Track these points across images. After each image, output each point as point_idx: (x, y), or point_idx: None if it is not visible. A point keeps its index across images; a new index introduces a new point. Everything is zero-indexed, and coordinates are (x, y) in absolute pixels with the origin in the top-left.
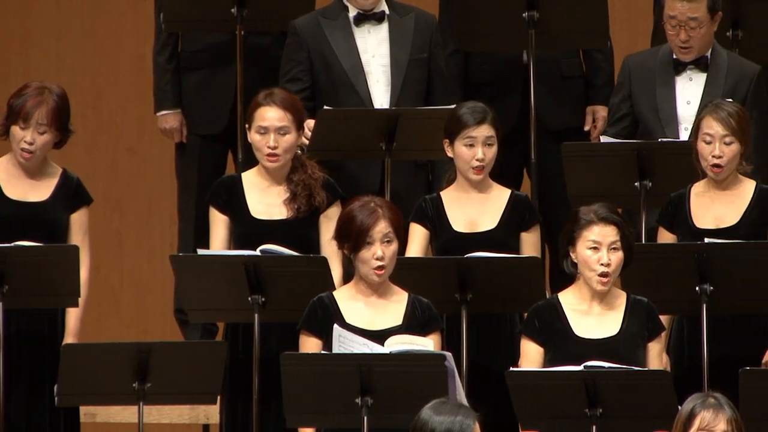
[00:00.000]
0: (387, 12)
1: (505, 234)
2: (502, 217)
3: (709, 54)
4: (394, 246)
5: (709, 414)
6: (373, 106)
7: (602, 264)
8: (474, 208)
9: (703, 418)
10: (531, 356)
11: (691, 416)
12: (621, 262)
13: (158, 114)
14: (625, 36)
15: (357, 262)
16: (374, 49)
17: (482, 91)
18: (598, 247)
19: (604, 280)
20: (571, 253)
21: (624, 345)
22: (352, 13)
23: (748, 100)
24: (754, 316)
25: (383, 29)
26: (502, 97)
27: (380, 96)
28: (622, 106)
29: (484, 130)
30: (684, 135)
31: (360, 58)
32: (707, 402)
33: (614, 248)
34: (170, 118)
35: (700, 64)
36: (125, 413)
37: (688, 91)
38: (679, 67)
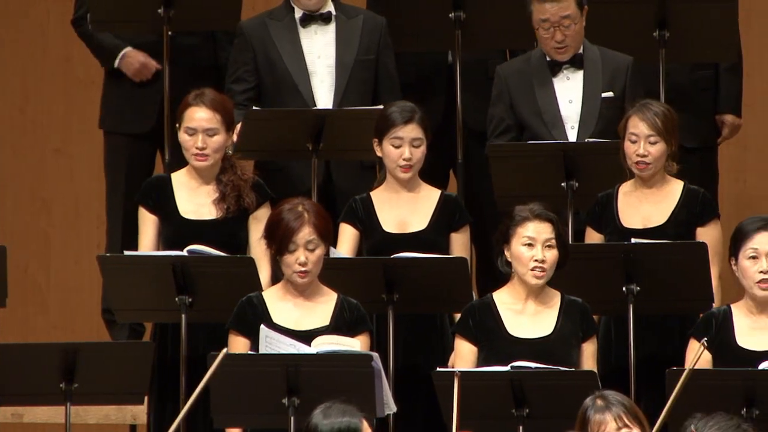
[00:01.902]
0: (334, 12)
1: (435, 234)
2: (432, 217)
3: (581, 51)
4: (318, 251)
5: (598, 416)
6: (316, 106)
7: (536, 260)
8: (404, 208)
9: (593, 422)
10: (464, 356)
11: (584, 422)
12: (556, 259)
13: (119, 59)
14: None
15: (282, 264)
16: (320, 49)
17: (408, 92)
18: (533, 243)
19: (539, 274)
20: (505, 252)
21: (557, 345)
22: (299, 14)
23: (627, 91)
24: (680, 315)
25: (330, 30)
26: (427, 98)
27: (324, 97)
28: (504, 116)
29: (411, 130)
30: (571, 134)
31: (305, 59)
32: (595, 405)
33: (549, 245)
34: (131, 56)
35: (575, 62)
36: (52, 413)
37: (568, 90)
38: (555, 68)
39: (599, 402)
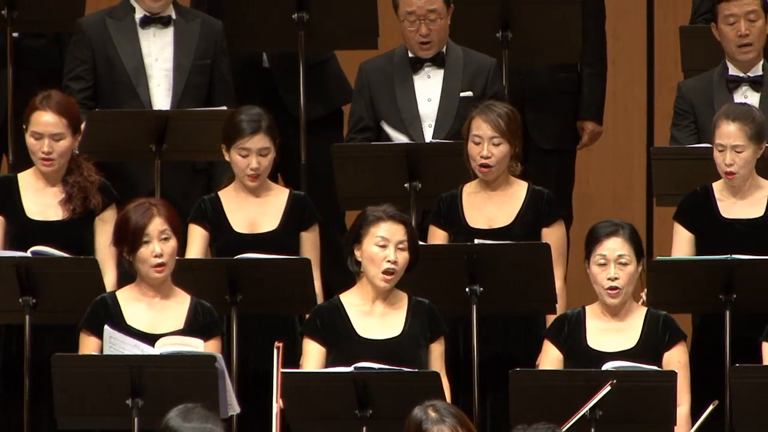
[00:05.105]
0: (174, 17)
1: (286, 234)
2: (282, 217)
3: (444, 50)
4: (172, 243)
5: (436, 429)
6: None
7: (389, 261)
8: (254, 208)
9: None
10: (313, 356)
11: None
12: (406, 262)
13: None
14: (398, 35)
15: (137, 263)
16: (158, 53)
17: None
18: (385, 244)
19: (388, 278)
20: (356, 251)
21: (406, 346)
22: (139, 14)
23: (487, 92)
24: (523, 316)
25: (168, 33)
26: (246, 101)
27: (161, 100)
28: (363, 115)
29: (258, 141)
30: (428, 133)
31: (143, 61)
32: (430, 418)
33: (401, 248)
34: None
35: (437, 60)
36: None
37: (428, 88)
38: (417, 66)
39: (433, 414)
